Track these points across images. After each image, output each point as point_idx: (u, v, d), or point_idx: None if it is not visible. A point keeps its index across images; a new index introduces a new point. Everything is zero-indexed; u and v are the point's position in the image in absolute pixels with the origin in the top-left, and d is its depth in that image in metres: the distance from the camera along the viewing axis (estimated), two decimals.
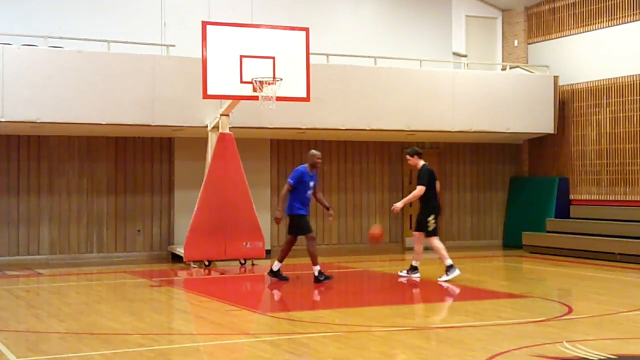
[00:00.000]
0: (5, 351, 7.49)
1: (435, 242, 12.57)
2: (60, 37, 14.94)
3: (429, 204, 12.61)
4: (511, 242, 18.77)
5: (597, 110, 17.71)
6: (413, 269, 12.84)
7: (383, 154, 18.62)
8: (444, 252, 12.52)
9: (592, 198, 17.77)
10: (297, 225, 12.37)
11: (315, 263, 12.40)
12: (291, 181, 12.23)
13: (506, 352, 7.32)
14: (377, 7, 18.80)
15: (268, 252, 16.31)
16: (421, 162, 12.84)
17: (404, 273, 12.96)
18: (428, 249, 12.98)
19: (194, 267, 14.68)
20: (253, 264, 15.11)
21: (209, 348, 7.92)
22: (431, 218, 12.53)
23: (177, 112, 15.02)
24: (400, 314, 9.95)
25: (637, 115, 16.86)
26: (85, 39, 15.01)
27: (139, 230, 16.55)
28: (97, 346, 7.73)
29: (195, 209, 14.63)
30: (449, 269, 12.46)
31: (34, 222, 15.83)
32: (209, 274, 14.18)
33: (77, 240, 16.13)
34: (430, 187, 12.59)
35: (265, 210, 17.03)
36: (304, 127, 15.97)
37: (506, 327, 8.80)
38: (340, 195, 18.20)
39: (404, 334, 8.42)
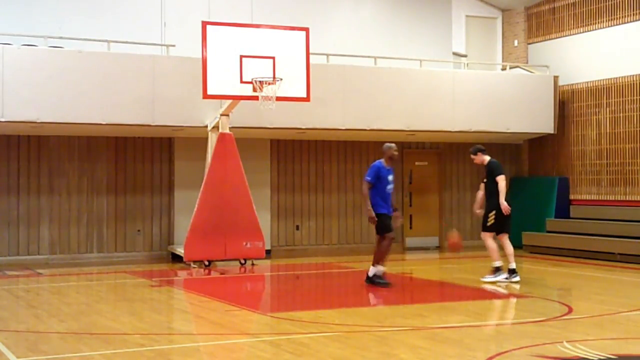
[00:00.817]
0: (5, 351, 7.50)
1: (489, 239, 12.26)
2: (60, 37, 14.94)
3: (493, 199, 12.19)
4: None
5: (597, 110, 17.70)
6: (511, 272, 12.31)
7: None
8: (495, 253, 12.22)
9: (592, 198, 17.77)
10: (379, 224, 11.72)
11: (375, 264, 11.77)
12: (369, 178, 11.63)
13: (506, 352, 7.32)
14: (377, 7, 18.80)
15: (268, 252, 16.33)
16: (487, 157, 12.46)
17: (502, 277, 12.35)
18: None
19: (194, 267, 14.68)
20: (253, 264, 15.10)
21: (209, 348, 7.92)
22: (492, 214, 12.18)
23: (177, 112, 15.02)
24: (400, 314, 9.95)
25: (637, 115, 16.86)
26: (85, 39, 15.01)
27: (138, 230, 16.55)
28: (97, 346, 7.73)
29: (195, 209, 14.63)
30: (496, 270, 12.19)
31: (34, 222, 15.83)
32: (209, 274, 14.18)
33: (77, 240, 16.13)
34: (495, 183, 12.16)
35: (265, 210, 17.03)
36: (304, 127, 15.96)
37: (506, 327, 8.80)
38: (340, 195, 18.20)
39: (404, 334, 8.42)
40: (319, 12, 17.98)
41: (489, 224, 12.25)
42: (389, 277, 12.11)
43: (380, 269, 11.75)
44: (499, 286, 11.98)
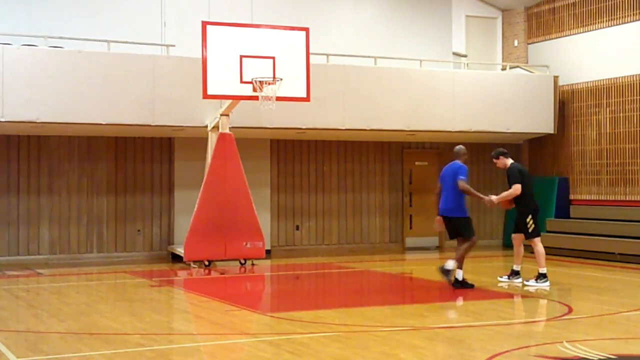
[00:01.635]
0: (5, 351, 7.50)
1: (538, 245, 12.12)
2: (60, 37, 14.94)
3: (524, 204, 12.09)
4: (511, 242, 18.68)
5: (597, 110, 17.70)
6: (514, 273, 12.36)
7: (383, 154, 18.62)
8: (542, 259, 12.13)
9: (592, 198, 17.77)
10: (468, 227, 11.75)
11: (460, 267, 11.61)
12: (465, 177, 11.58)
13: (506, 352, 7.32)
14: (377, 7, 18.80)
15: (268, 252, 16.32)
16: (509, 161, 12.31)
17: (504, 278, 12.42)
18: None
19: (194, 267, 14.68)
20: (253, 264, 15.10)
21: (209, 348, 7.92)
22: (529, 219, 12.05)
23: (177, 112, 15.02)
24: (400, 314, 9.95)
25: (637, 115, 16.86)
26: (85, 39, 15.01)
27: (139, 230, 16.54)
28: (97, 346, 7.73)
29: (195, 209, 14.63)
30: (540, 276, 12.08)
31: (34, 222, 15.83)
32: (209, 274, 14.18)
33: (77, 240, 16.13)
34: (523, 186, 12.01)
35: (265, 210, 17.03)
36: (304, 127, 15.96)
37: (506, 327, 8.80)
38: (340, 195, 18.20)
39: (404, 334, 8.42)
40: (319, 12, 17.98)
41: (530, 230, 12.09)
42: (388, 277, 12.11)
43: (459, 271, 11.64)
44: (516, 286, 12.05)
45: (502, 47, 19.81)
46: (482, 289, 11.92)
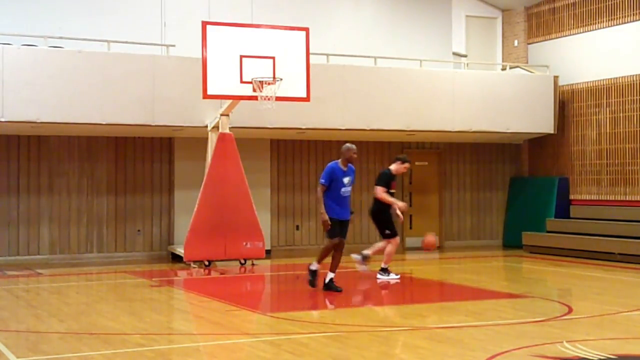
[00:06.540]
0: (5, 351, 7.50)
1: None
2: (60, 37, 14.94)
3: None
4: (511, 242, 18.76)
5: (597, 110, 17.70)
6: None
7: (383, 154, 18.60)
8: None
9: (592, 198, 17.76)
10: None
11: (319, 262, 11.52)
12: (322, 180, 11.17)
13: (506, 352, 7.32)
14: (377, 7, 18.80)
15: (268, 252, 16.32)
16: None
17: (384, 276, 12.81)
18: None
19: (194, 267, 14.68)
20: (253, 264, 15.10)
21: (209, 348, 7.92)
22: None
23: (177, 112, 15.02)
24: (400, 314, 9.95)
25: (637, 115, 16.86)
26: (85, 39, 15.01)
27: (139, 230, 16.54)
28: (97, 346, 7.73)
29: (195, 209, 14.64)
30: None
31: (34, 222, 15.83)
32: (209, 274, 14.18)
33: (77, 240, 16.13)
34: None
35: (265, 210, 17.03)
36: (304, 127, 15.97)
37: (506, 327, 8.80)
38: None
39: (404, 334, 8.42)
40: (319, 12, 17.98)
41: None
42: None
43: (317, 265, 11.45)
44: None
45: (502, 47, 19.81)
46: (482, 289, 11.92)
